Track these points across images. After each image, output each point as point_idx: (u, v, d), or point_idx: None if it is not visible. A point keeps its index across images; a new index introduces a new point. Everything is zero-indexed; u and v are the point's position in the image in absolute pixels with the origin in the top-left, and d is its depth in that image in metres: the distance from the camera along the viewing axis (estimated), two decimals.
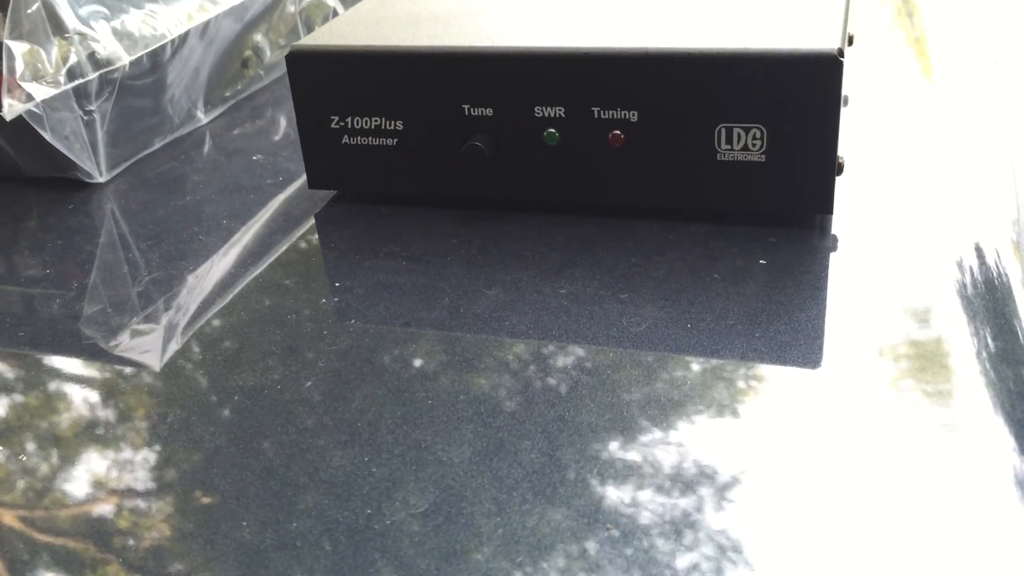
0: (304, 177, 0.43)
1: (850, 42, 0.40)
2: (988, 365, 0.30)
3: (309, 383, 0.31)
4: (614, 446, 0.27)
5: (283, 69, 0.56)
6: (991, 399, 0.28)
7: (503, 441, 0.27)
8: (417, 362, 0.31)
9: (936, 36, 0.58)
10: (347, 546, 0.24)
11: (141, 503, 0.27)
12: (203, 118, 0.50)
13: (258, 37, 0.52)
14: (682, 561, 0.23)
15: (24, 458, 0.29)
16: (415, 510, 0.25)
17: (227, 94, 0.52)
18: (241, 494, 0.26)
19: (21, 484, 0.28)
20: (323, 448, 0.28)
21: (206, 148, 0.48)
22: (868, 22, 0.59)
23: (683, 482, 0.26)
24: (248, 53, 0.52)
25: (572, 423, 0.28)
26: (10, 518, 0.26)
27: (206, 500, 0.26)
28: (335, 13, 0.58)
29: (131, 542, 0.25)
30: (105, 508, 0.27)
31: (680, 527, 0.24)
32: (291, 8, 0.54)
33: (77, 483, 0.28)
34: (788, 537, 0.24)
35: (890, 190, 0.40)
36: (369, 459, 0.27)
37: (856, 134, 0.43)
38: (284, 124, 0.51)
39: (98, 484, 0.28)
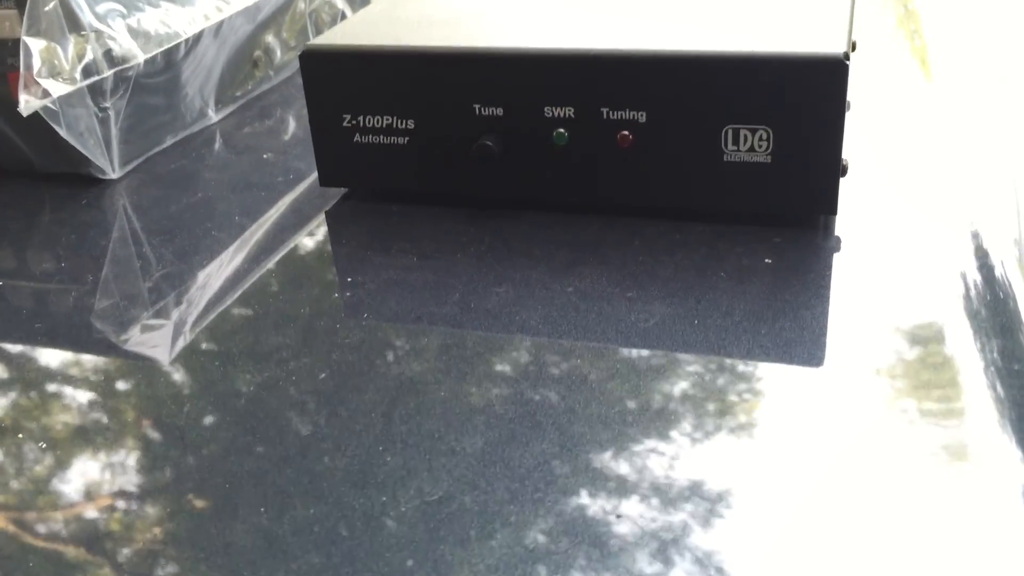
0: (314, 176, 0.44)
1: (853, 48, 0.41)
2: (990, 358, 0.30)
3: (323, 375, 0.31)
4: (621, 440, 0.28)
5: (291, 70, 0.56)
6: (994, 396, 0.29)
7: (515, 432, 0.28)
8: (429, 356, 0.32)
9: (939, 45, 0.58)
10: (363, 532, 0.25)
11: (153, 493, 0.27)
12: (214, 116, 0.51)
13: (269, 38, 0.53)
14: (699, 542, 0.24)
15: (41, 449, 0.29)
16: (429, 498, 0.26)
17: (237, 93, 0.52)
18: (258, 481, 0.27)
19: (34, 477, 0.28)
20: (338, 437, 0.28)
21: (216, 146, 0.49)
22: (870, 30, 0.60)
23: (690, 477, 0.26)
24: (258, 53, 0.53)
25: (582, 415, 0.28)
26: (44, 514, 0.27)
27: (224, 486, 0.27)
28: (343, 15, 0.58)
29: (140, 530, 0.26)
30: (115, 500, 0.27)
31: (680, 520, 0.25)
32: (302, 6, 0.55)
33: (97, 475, 0.28)
34: (792, 538, 0.25)
35: (893, 193, 0.40)
36: (383, 448, 0.28)
37: (860, 139, 0.43)
38: (293, 124, 0.51)
39: (115, 475, 0.28)
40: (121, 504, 0.27)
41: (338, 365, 0.32)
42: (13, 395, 0.32)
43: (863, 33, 0.54)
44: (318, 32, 0.57)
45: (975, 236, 0.38)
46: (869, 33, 0.59)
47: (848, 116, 0.36)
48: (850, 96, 0.36)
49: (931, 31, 0.61)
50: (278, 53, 0.54)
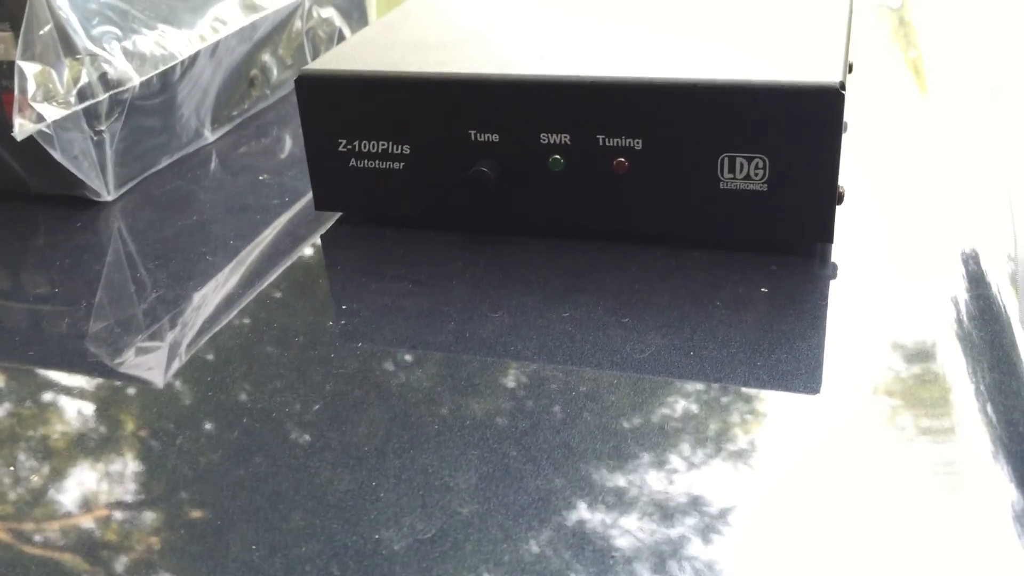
0: (310, 197, 0.43)
1: (850, 70, 0.41)
2: (983, 389, 0.30)
3: (317, 406, 0.31)
4: (617, 474, 0.27)
5: (288, 88, 0.56)
6: (987, 425, 0.29)
7: (509, 467, 0.28)
8: (423, 386, 0.32)
9: (933, 62, 0.58)
10: (355, 571, 0.25)
11: (144, 524, 0.27)
12: (210, 136, 0.50)
13: (265, 56, 0.53)
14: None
15: (36, 471, 0.29)
16: (423, 535, 0.26)
17: (233, 113, 0.52)
18: (250, 517, 0.27)
19: (28, 497, 0.28)
20: (331, 472, 0.28)
21: (212, 167, 0.49)
22: (865, 43, 0.60)
23: (686, 510, 0.26)
24: (255, 72, 0.53)
25: (577, 450, 0.28)
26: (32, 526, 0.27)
27: (216, 523, 0.27)
28: (341, 34, 0.58)
29: (131, 565, 0.26)
30: (106, 526, 0.27)
31: (678, 554, 0.25)
32: (298, 25, 0.55)
33: (84, 498, 0.28)
34: (787, 564, 0.24)
35: (889, 219, 0.40)
36: (376, 484, 0.28)
37: (855, 161, 0.43)
38: (289, 143, 0.51)
39: (104, 501, 0.28)
40: (113, 522, 0.27)
41: (332, 396, 0.32)
42: (5, 420, 0.32)
43: (858, 43, 0.54)
44: (315, 50, 0.57)
45: (972, 259, 0.38)
46: (865, 46, 0.59)
47: (845, 137, 0.36)
48: (847, 117, 0.36)
49: (926, 44, 0.61)
50: (275, 72, 0.54)
